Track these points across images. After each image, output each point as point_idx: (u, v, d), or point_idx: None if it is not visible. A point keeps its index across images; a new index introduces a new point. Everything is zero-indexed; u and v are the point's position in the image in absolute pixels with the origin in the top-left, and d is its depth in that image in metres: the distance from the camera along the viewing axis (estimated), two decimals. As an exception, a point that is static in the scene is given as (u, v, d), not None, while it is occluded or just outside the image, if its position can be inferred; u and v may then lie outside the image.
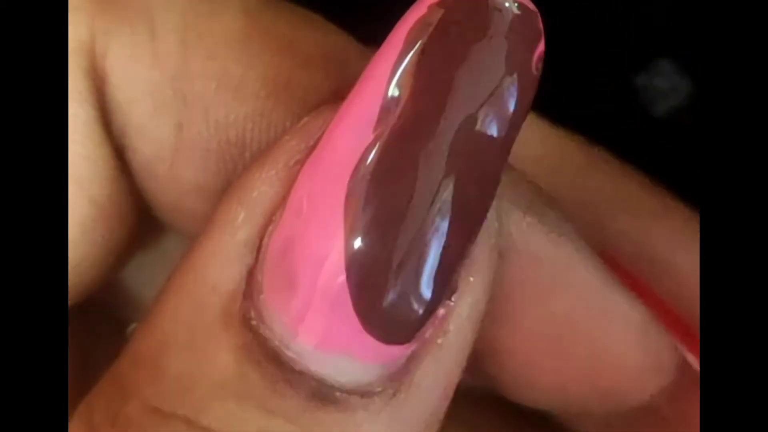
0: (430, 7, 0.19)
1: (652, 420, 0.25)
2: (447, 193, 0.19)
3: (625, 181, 0.29)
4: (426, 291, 0.20)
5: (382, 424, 0.21)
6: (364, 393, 0.20)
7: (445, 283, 0.20)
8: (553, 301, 0.23)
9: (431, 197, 0.19)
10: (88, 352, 0.26)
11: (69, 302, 0.24)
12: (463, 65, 0.19)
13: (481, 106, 0.19)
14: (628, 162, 0.28)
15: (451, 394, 0.22)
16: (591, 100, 0.24)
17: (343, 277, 0.19)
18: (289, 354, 0.20)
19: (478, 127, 0.19)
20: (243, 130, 0.23)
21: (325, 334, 0.20)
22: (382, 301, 0.20)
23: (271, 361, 0.20)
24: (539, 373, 0.24)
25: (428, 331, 0.21)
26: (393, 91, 0.19)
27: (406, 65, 0.19)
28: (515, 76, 0.19)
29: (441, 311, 0.21)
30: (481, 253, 0.21)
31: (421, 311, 0.20)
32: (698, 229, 0.26)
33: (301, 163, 0.20)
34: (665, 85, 0.30)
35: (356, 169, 0.19)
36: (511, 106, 0.19)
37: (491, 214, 0.21)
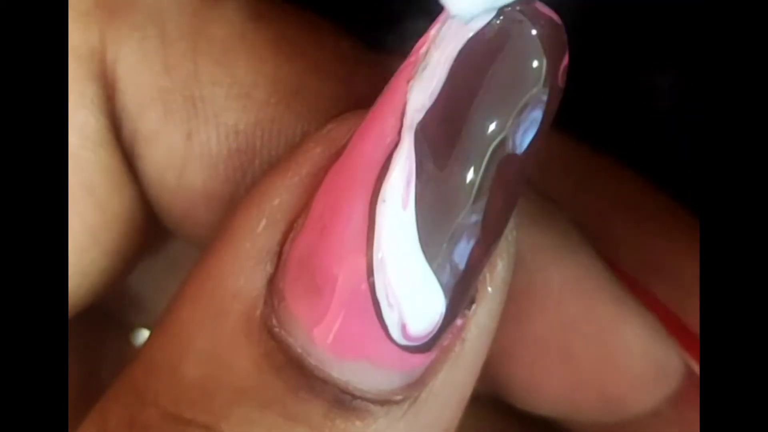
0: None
1: (656, 426, 0.25)
2: (478, 205, 0.19)
3: (628, 186, 0.29)
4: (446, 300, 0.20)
5: (401, 430, 0.21)
6: (384, 401, 0.20)
7: (465, 292, 0.20)
8: (561, 309, 0.23)
9: (462, 209, 0.19)
10: (95, 357, 0.25)
11: (77, 307, 0.24)
12: (491, 77, 0.19)
13: (509, 116, 0.19)
14: (629, 162, 0.29)
15: (466, 402, 0.22)
16: (592, 100, 0.25)
17: (365, 285, 0.20)
18: (311, 361, 0.20)
19: (505, 137, 0.19)
20: (253, 137, 0.23)
21: (346, 342, 0.20)
22: None
23: (292, 368, 0.20)
24: (546, 380, 0.24)
25: (447, 340, 0.21)
26: (423, 99, 0.19)
27: (437, 74, 0.19)
28: (544, 88, 0.19)
29: (459, 321, 0.21)
30: (500, 263, 0.21)
31: (441, 320, 0.20)
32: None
33: (324, 170, 0.20)
34: (666, 85, 0.30)
35: (380, 176, 0.19)
36: (539, 118, 0.20)
37: (510, 224, 0.21)
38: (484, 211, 0.20)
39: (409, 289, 0.20)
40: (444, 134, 0.19)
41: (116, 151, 0.23)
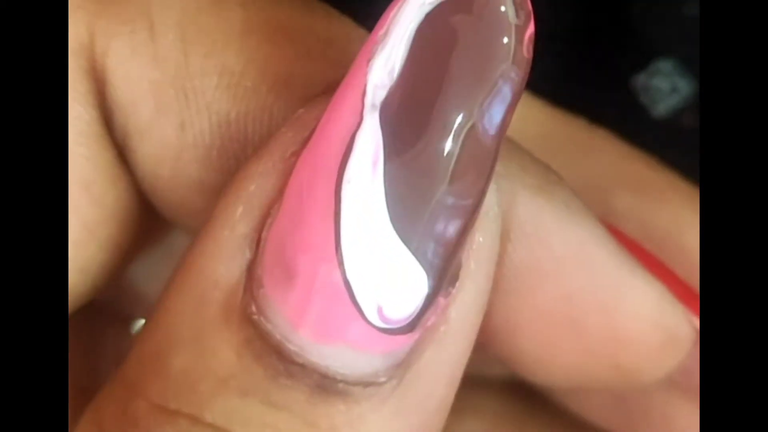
0: None
1: (668, 393, 0.25)
2: (452, 183, 0.19)
3: (629, 160, 0.28)
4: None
5: (386, 413, 0.21)
6: (367, 384, 0.20)
7: (447, 271, 0.20)
8: (566, 280, 0.23)
9: (436, 187, 0.19)
10: (95, 352, 0.26)
11: (77, 303, 0.24)
12: (458, 54, 0.19)
13: (478, 94, 0.19)
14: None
15: (457, 382, 0.21)
16: (591, 100, 0.24)
17: (336, 269, 0.19)
18: (291, 347, 0.20)
19: (473, 110, 0.19)
20: (245, 126, 0.23)
21: (325, 326, 0.20)
22: None
23: (273, 354, 0.20)
24: (556, 352, 0.24)
25: (430, 320, 0.20)
26: (383, 78, 0.19)
27: (395, 51, 0.19)
28: (509, 60, 0.19)
29: (442, 300, 0.20)
30: (483, 239, 0.21)
31: (424, 300, 0.20)
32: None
33: (297, 155, 0.20)
34: (665, 85, 0.30)
35: (345, 157, 0.19)
36: (506, 90, 0.19)
37: (492, 200, 0.21)
38: (459, 189, 0.19)
39: (383, 271, 0.19)
40: (409, 113, 0.19)
41: (109, 145, 0.23)
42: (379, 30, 0.19)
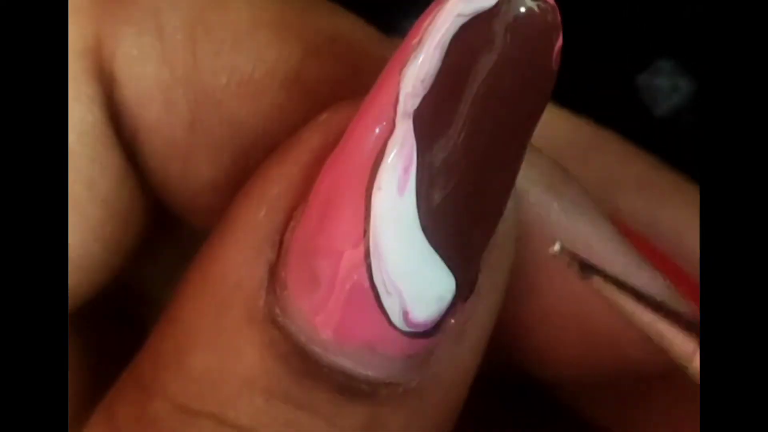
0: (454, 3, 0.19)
1: (668, 387, 0.25)
2: (471, 186, 0.20)
3: (633, 159, 0.29)
4: None
5: (407, 413, 0.21)
6: (390, 385, 0.21)
7: (472, 275, 0.20)
8: (574, 278, 0.23)
9: (459, 190, 0.19)
10: (103, 352, 0.26)
11: (80, 303, 0.24)
12: (486, 59, 0.19)
13: (504, 98, 0.19)
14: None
15: (470, 382, 0.22)
16: (592, 100, 0.25)
17: (363, 274, 0.20)
18: (315, 348, 0.20)
19: (500, 119, 0.19)
20: (255, 124, 0.23)
21: (349, 328, 0.20)
22: None
23: (296, 355, 0.20)
24: (563, 348, 0.24)
25: (449, 323, 0.21)
26: (416, 86, 0.20)
27: (429, 60, 0.19)
28: (537, 70, 0.19)
29: (462, 303, 0.21)
30: (501, 244, 0.21)
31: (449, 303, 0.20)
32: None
33: (322, 159, 0.20)
34: (666, 85, 0.30)
35: (375, 163, 0.20)
36: (532, 99, 0.20)
37: (510, 204, 0.21)
38: (478, 193, 0.20)
39: (410, 276, 0.20)
40: (443, 121, 0.19)
41: (115, 145, 0.23)
42: (413, 39, 0.19)
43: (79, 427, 0.22)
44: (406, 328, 0.20)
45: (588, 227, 0.23)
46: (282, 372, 0.20)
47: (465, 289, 0.20)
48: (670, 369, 0.23)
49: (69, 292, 0.24)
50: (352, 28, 0.23)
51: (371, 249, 0.19)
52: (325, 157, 0.20)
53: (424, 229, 0.19)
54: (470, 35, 0.19)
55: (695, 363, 0.17)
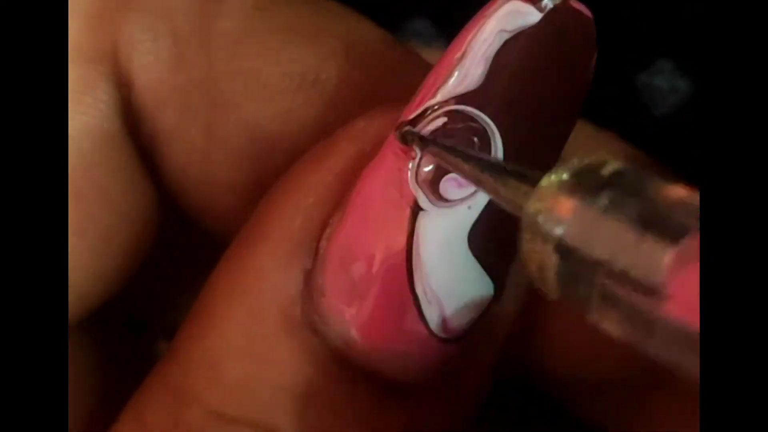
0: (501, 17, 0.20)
1: (668, 388, 0.25)
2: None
3: (634, 162, 0.29)
4: None
5: (441, 415, 0.21)
6: (425, 388, 0.21)
7: (507, 278, 0.21)
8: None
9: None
10: (118, 358, 0.25)
11: (92, 308, 0.24)
12: (532, 72, 0.20)
13: (543, 108, 0.20)
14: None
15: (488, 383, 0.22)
16: (592, 99, 0.25)
17: (404, 284, 0.20)
18: (354, 354, 0.20)
19: (539, 125, 0.20)
20: (272, 127, 0.23)
21: (388, 335, 0.20)
22: None
23: (335, 362, 0.20)
24: (572, 347, 0.24)
25: (484, 324, 0.21)
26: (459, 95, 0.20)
27: (472, 73, 0.20)
28: (577, 80, 0.20)
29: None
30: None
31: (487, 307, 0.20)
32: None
33: (358, 168, 0.20)
34: (666, 85, 0.31)
35: (418, 174, 0.20)
36: (569, 108, 0.20)
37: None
38: None
39: (452, 285, 0.20)
40: (480, 131, 0.20)
41: (131, 151, 0.24)
42: (455, 53, 0.20)
43: (96, 427, 0.22)
44: (443, 335, 0.20)
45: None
46: (321, 378, 0.20)
47: (500, 295, 0.21)
48: (671, 370, 0.23)
49: (80, 297, 0.24)
50: (366, 31, 0.24)
51: (413, 259, 0.20)
52: (362, 166, 0.20)
53: (470, 238, 0.20)
54: (514, 51, 0.19)
55: (527, 207, 0.17)
